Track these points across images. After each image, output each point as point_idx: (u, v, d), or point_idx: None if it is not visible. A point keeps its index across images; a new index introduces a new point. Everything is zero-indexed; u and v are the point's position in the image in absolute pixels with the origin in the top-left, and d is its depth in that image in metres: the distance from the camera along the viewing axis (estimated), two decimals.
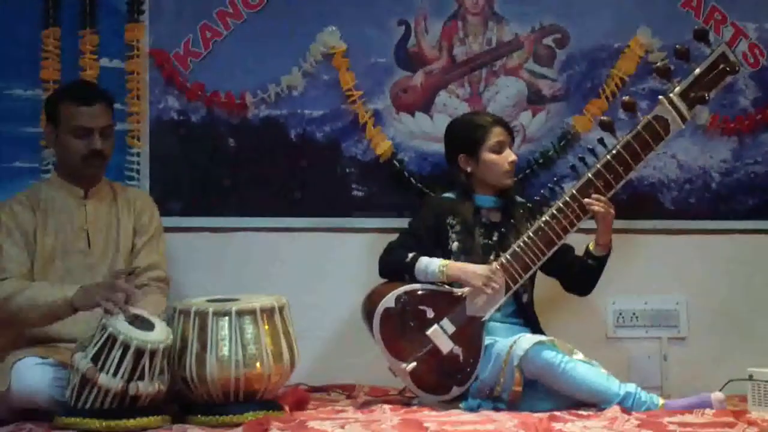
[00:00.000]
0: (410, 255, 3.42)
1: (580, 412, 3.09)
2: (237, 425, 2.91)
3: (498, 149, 3.54)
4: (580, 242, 3.56)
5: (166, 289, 3.49)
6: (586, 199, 3.40)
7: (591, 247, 3.51)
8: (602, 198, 3.40)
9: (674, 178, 4.07)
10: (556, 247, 3.42)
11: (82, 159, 3.38)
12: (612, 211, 3.43)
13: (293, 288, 3.53)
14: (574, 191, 3.42)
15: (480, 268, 3.37)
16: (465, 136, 3.58)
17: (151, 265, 3.46)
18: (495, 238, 3.53)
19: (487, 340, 3.36)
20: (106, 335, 2.94)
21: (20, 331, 3.27)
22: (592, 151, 3.45)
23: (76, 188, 3.44)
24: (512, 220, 3.54)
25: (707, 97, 3.39)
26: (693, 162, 4.07)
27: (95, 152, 3.38)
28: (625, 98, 3.48)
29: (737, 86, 4.01)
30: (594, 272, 3.54)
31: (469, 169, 3.57)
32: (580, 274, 3.57)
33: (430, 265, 3.39)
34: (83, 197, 3.44)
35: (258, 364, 3.06)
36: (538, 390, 3.25)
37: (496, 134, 3.55)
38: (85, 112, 3.37)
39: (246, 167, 4.00)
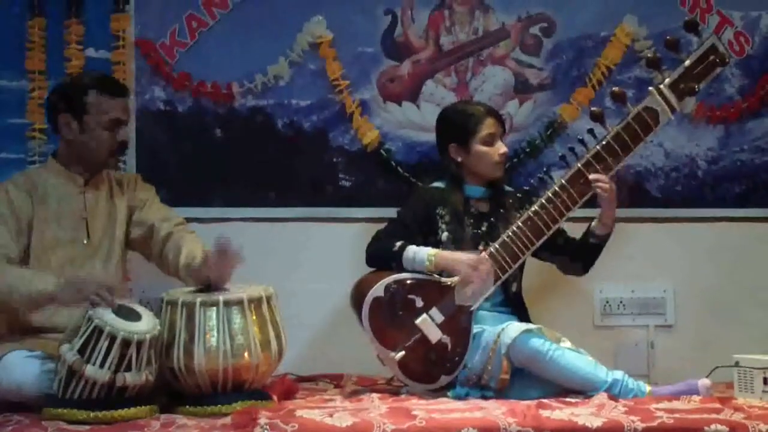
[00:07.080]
0: (398, 244, 3.41)
1: (568, 399, 3.09)
2: (225, 415, 2.90)
3: (489, 141, 3.52)
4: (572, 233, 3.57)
5: (189, 228, 3.49)
6: (593, 175, 3.38)
7: (594, 226, 3.49)
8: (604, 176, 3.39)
9: (661, 167, 4.08)
10: (545, 238, 3.41)
11: (110, 152, 3.38)
12: (614, 187, 3.41)
13: (280, 278, 3.52)
14: (564, 181, 3.42)
15: (468, 257, 3.37)
16: (456, 125, 3.56)
17: (166, 217, 3.46)
18: (484, 228, 3.52)
19: (475, 328, 3.37)
20: (92, 327, 2.92)
21: (11, 318, 3.22)
22: (582, 142, 3.45)
23: (77, 176, 3.38)
24: (502, 210, 3.54)
25: (697, 89, 3.38)
26: (680, 150, 4.08)
27: (123, 144, 3.42)
28: (615, 89, 3.46)
29: (723, 75, 4.00)
30: (594, 251, 3.53)
31: (459, 159, 3.55)
32: (579, 254, 3.56)
33: (419, 253, 3.38)
34: (83, 186, 3.39)
35: (246, 354, 3.05)
36: (525, 378, 3.26)
37: (488, 126, 3.52)
38: (119, 105, 3.38)
39: (233, 157, 4.00)
